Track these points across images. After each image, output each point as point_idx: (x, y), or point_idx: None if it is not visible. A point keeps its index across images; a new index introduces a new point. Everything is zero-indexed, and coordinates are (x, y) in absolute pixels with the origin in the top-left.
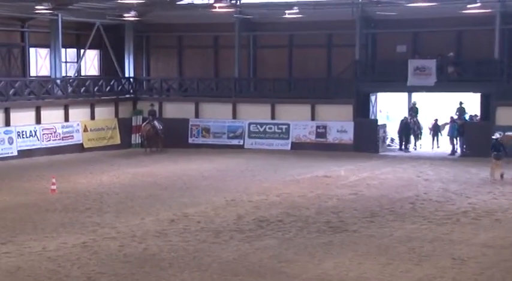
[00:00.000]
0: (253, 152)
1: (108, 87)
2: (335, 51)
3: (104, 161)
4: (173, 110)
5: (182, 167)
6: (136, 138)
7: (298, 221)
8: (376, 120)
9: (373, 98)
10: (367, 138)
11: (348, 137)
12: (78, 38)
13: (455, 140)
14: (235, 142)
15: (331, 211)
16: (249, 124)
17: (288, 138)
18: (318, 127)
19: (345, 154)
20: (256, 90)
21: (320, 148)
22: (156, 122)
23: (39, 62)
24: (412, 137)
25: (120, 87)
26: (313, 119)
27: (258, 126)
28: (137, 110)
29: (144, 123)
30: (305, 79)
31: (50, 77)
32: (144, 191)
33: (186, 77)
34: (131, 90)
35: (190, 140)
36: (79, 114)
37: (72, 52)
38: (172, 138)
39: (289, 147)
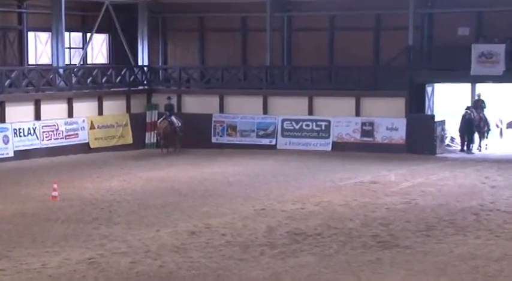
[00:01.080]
0: (287, 154)
1: (119, 78)
2: (384, 35)
3: (113, 164)
4: (194, 104)
5: (204, 171)
6: (151, 137)
7: (340, 235)
8: (433, 116)
9: (429, 89)
10: (422, 138)
11: (399, 135)
12: (84, 20)
13: None
14: (266, 141)
15: (380, 223)
16: (283, 121)
17: (328, 137)
18: (363, 124)
19: (395, 156)
20: (291, 81)
21: (366, 148)
22: (173, 118)
23: (39, 48)
24: (476, 136)
25: (132, 78)
26: (358, 114)
27: (293, 123)
28: (152, 104)
29: (160, 119)
30: (348, 67)
31: (51, 65)
32: (159, 199)
33: (209, 65)
34: (145, 81)
35: (213, 140)
36: (85, 109)
37: (77, 37)
38: (193, 137)
39: (329, 147)
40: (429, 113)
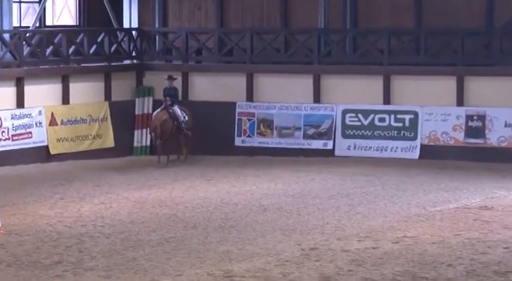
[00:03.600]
0: (351, 163)
1: (94, 48)
2: None
3: (84, 179)
4: (208, 87)
5: (223, 190)
6: (142, 138)
7: None
8: None
9: None
10: None
11: None
12: None
13: None
14: (318, 144)
15: (495, 271)
16: (344, 113)
17: (414, 137)
18: (469, 118)
19: None
20: (356, 53)
21: (473, 154)
22: (177, 109)
23: None
24: None
25: (114, 48)
26: (460, 103)
27: (360, 116)
28: (144, 87)
29: (157, 111)
30: (444, 32)
31: None
32: (155, 232)
33: (231, 28)
34: (134, 53)
35: (237, 142)
36: (42, 95)
37: None
38: (206, 138)
39: (416, 154)
40: None
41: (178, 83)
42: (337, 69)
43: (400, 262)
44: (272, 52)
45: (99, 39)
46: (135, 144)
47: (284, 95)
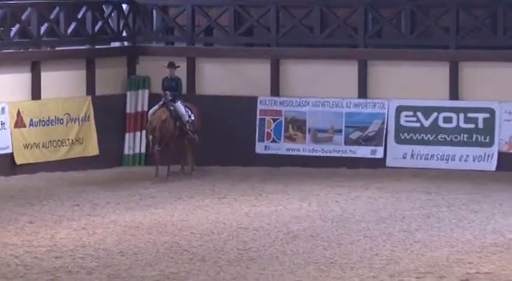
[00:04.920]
0: (407, 176)
1: (72, 25)
2: None
3: (60, 196)
4: (220, 77)
5: (240, 211)
6: (134, 144)
7: None
8: None
9: None
10: None
11: None
12: None
13: None
14: (364, 151)
15: None
16: (398, 110)
17: (490, 143)
18: None
19: None
20: (414, 33)
21: None
22: (180, 106)
23: None
24: None
25: (99, 25)
26: None
27: (420, 114)
28: (137, 77)
29: (155, 108)
30: None
31: None
32: (151, 267)
33: (250, 0)
34: (124, 33)
35: (259, 148)
36: (5, 88)
37: None
38: (219, 143)
39: (492, 164)
40: None
41: (182, 72)
42: (390, 54)
43: None
44: (304, 32)
45: (79, 15)
46: (126, 151)
47: (320, 88)
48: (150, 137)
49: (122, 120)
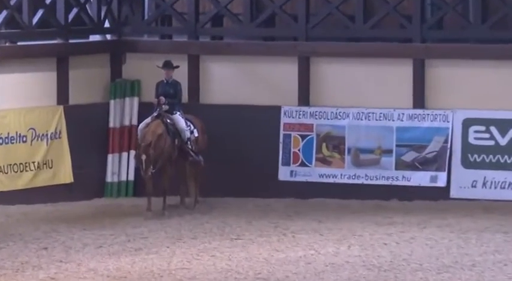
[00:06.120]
0: (478, 211)
1: (40, 14)
2: None
3: (23, 236)
4: (232, 80)
5: (258, 256)
6: (119, 168)
7: None
8: None
9: None
10: None
11: None
12: None
13: None
14: (421, 178)
15: None
16: (466, 124)
17: None
18: None
19: None
20: (486, 23)
21: None
22: (179, 119)
23: None
24: None
25: (74, 14)
26: None
27: (494, 130)
28: (124, 80)
29: (147, 121)
30: None
31: None
32: None
33: None
34: (107, 23)
35: (282, 173)
36: None
37: None
38: (231, 167)
39: None
40: None
41: (182, 75)
42: (454, 50)
43: None
44: (342, 21)
45: (47, 1)
46: (109, 178)
47: (363, 95)
48: (143, 157)
49: (104, 138)
